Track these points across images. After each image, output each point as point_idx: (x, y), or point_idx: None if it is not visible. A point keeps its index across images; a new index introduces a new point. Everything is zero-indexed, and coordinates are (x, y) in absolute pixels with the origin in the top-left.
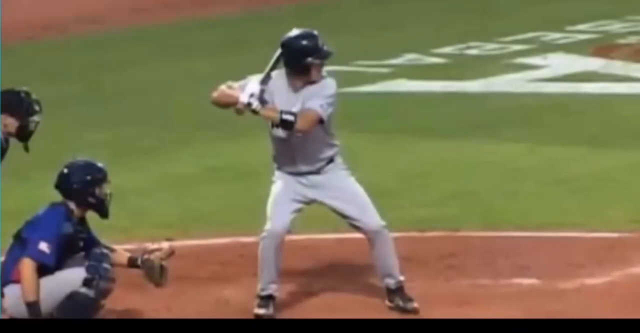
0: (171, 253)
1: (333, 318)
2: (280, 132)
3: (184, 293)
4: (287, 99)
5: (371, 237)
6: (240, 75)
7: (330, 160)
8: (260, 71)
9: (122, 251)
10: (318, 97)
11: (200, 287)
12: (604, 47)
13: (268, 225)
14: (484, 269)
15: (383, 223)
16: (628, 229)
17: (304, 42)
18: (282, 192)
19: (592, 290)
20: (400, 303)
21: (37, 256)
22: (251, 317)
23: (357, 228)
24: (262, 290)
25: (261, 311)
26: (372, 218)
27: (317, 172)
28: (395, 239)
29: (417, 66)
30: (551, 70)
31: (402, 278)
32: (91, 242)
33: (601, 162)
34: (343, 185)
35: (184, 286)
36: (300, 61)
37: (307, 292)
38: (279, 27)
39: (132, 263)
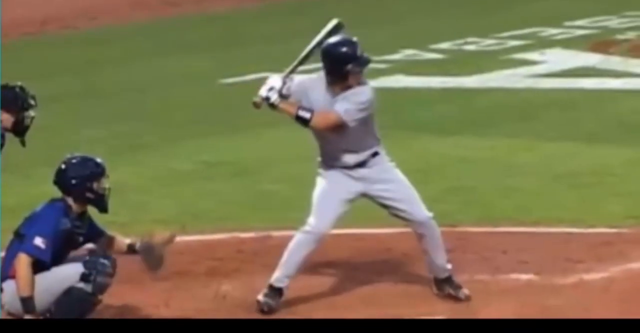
0: (171, 239)
1: (333, 315)
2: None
3: (182, 289)
4: (323, 101)
5: (418, 229)
6: (238, 71)
7: (375, 153)
8: (257, 69)
9: (120, 238)
10: (347, 101)
11: (198, 283)
12: (602, 43)
13: (313, 222)
14: (482, 265)
15: (430, 214)
16: (626, 225)
17: (344, 50)
18: (333, 188)
19: (590, 286)
20: (452, 291)
21: (33, 251)
22: (249, 312)
23: (404, 220)
24: (277, 280)
25: (263, 299)
26: (419, 209)
27: (363, 164)
28: (393, 235)
29: (415, 62)
30: (549, 66)
31: (449, 267)
32: (95, 233)
33: (599, 157)
34: (390, 177)
35: (182, 282)
36: (340, 68)
37: (307, 288)
38: (276, 24)
39: (131, 249)
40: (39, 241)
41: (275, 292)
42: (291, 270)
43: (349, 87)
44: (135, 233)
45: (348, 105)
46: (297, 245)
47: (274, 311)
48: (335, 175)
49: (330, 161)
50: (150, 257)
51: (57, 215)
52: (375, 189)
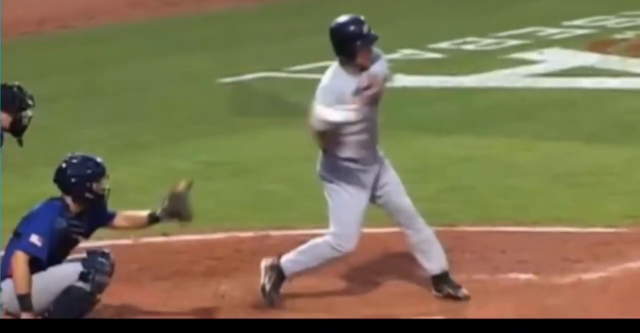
0: (190, 184)
1: (331, 315)
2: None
3: (181, 289)
4: (356, 87)
5: (411, 224)
6: (237, 71)
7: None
8: (257, 68)
9: (136, 212)
10: (378, 66)
11: (197, 282)
12: (600, 42)
13: (344, 244)
14: (480, 264)
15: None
16: (624, 224)
17: (351, 28)
18: (362, 202)
19: (588, 285)
20: (451, 291)
21: (29, 249)
22: (248, 312)
23: (397, 213)
24: (290, 272)
25: (269, 288)
26: (406, 199)
27: (375, 159)
28: (392, 234)
29: (414, 61)
30: (548, 66)
31: (446, 263)
32: (103, 220)
33: (598, 157)
34: (392, 174)
35: (181, 281)
36: (349, 47)
37: (306, 288)
38: (276, 23)
39: (152, 218)
40: (35, 239)
41: (282, 280)
42: (305, 272)
43: (362, 67)
44: (134, 232)
45: (382, 66)
46: (323, 255)
47: (277, 300)
48: (360, 184)
49: (363, 156)
50: (179, 211)
51: (53, 213)
52: (382, 192)
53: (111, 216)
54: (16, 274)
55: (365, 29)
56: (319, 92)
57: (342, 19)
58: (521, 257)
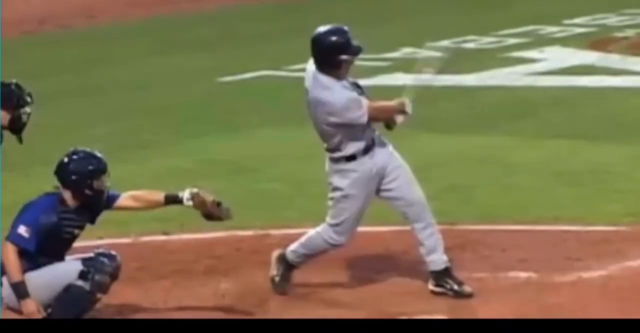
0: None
1: (332, 314)
2: None
3: (181, 287)
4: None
5: (421, 217)
6: (237, 70)
7: None
8: (256, 67)
9: (148, 193)
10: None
11: (197, 281)
12: (600, 41)
13: (338, 237)
14: (480, 263)
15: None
16: (624, 223)
17: (337, 39)
18: (365, 202)
19: (588, 284)
20: (455, 286)
21: (16, 239)
22: (248, 311)
23: (407, 207)
24: (296, 263)
25: (277, 277)
26: (418, 191)
27: (374, 142)
28: (392, 233)
29: (414, 60)
30: (548, 64)
31: (447, 258)
32: (106, 204)
33: (598, 155)
34: (401, 165)
35: (181, 280)
36: (334, 59)
37: (306, 287)
38: (275, 22)
39: (170, 198)
40: (22, 230)
41: (291, 270)
42: (307, 261)
43: (342, 77)
44: (133, 231)
45: None
46: (319, 248)
47: (286, 287)
48: (367, 181)
49: (368, 144)
50: (221, 217)
51: (45, 207)
52: (391, 186)
53: (114, 198)
54: (6, 264)
55: (351, 40)
56: (340, 102)
57: (327, 28)
58: (521, 255)
